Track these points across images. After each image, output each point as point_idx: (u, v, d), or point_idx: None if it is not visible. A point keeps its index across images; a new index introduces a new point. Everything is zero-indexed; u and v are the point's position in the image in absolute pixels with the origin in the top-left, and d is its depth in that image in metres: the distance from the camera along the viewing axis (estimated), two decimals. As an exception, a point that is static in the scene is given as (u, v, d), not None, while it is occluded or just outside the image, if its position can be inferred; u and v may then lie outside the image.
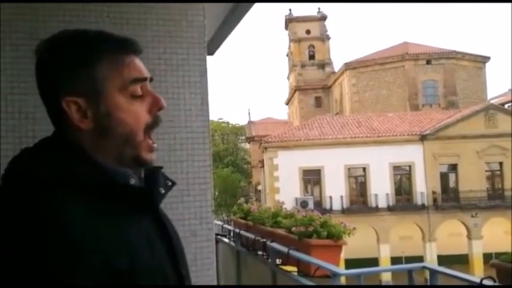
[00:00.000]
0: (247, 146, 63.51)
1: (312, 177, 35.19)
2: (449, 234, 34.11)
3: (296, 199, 31.45)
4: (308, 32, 60.52)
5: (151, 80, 1.19)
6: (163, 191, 1.18)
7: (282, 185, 34.35)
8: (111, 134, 1.11)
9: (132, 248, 1.04)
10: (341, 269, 4.45)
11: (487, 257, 27.29)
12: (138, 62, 1.17)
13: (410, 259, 27.91)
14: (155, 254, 1.10)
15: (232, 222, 7.53)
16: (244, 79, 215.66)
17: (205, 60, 3.16)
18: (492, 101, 41.57)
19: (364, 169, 34.90)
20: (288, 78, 67.00)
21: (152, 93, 1.17)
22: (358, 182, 35.50)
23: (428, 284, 4.04)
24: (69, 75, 1.10)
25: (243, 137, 65.28)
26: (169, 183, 1.22)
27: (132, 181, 1.13)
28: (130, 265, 1.01)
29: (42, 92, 1.14)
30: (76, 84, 1.09)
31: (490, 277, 3.44)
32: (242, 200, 40.03)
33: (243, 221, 6.61)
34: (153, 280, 1.07)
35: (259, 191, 46.93)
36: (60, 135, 1.13)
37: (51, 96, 1.11)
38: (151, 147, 1.16)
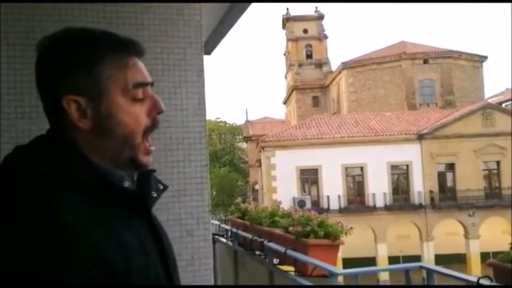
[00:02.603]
0: (244, 145, 63.46)
1: (309, 177, 35.17)
2: (446, 234, 34.10)
3: (293, 198, 31.37)
4: (305, 31, 60.50)
5: (152, 84, 1.18)
6: (155, 195, 1.18)
7: (280, 185, 34.29)
8: (110, 135, 1.10)
9: (127, 249, 1.04)
10: (338, 268, 4.46)
11: (484, 256, 27.32)
12: (141, 65, 1.16)
13: (407, 258, 27.98)
14: (148, 256, 1.10)
15: (229, 222, 7.52)
16: (242, 78, 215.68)
17: (202, 59, 3.16)
18: (489, 100, 41.62)
19: (361, 168, 34.88)
20: (286, 77, 66.98)
21: (152, 96, 1.16)
22: (356, 182, 35.47)
23: (426, 283, 4.03)
24: (70, 73, 1.09)
25: (241, 137, 65.25)
26: (161, 187, 1.22)
27: (127, 184, 1.13)
28: (125, 266, 1.01)
29: (41, 89, 1.13)
30: (77, 83, 1.08)
31: (487, 276, 3.44)
32: (239, 199, 40.05)
33: (240, 220, 6.60)
34: (147, 281, 1.07)
35: (257, 190, 46.91)
36: (56, 133, 1.11)
37: (51, 93, 1.10)
38: (148, 150, 1.16)
